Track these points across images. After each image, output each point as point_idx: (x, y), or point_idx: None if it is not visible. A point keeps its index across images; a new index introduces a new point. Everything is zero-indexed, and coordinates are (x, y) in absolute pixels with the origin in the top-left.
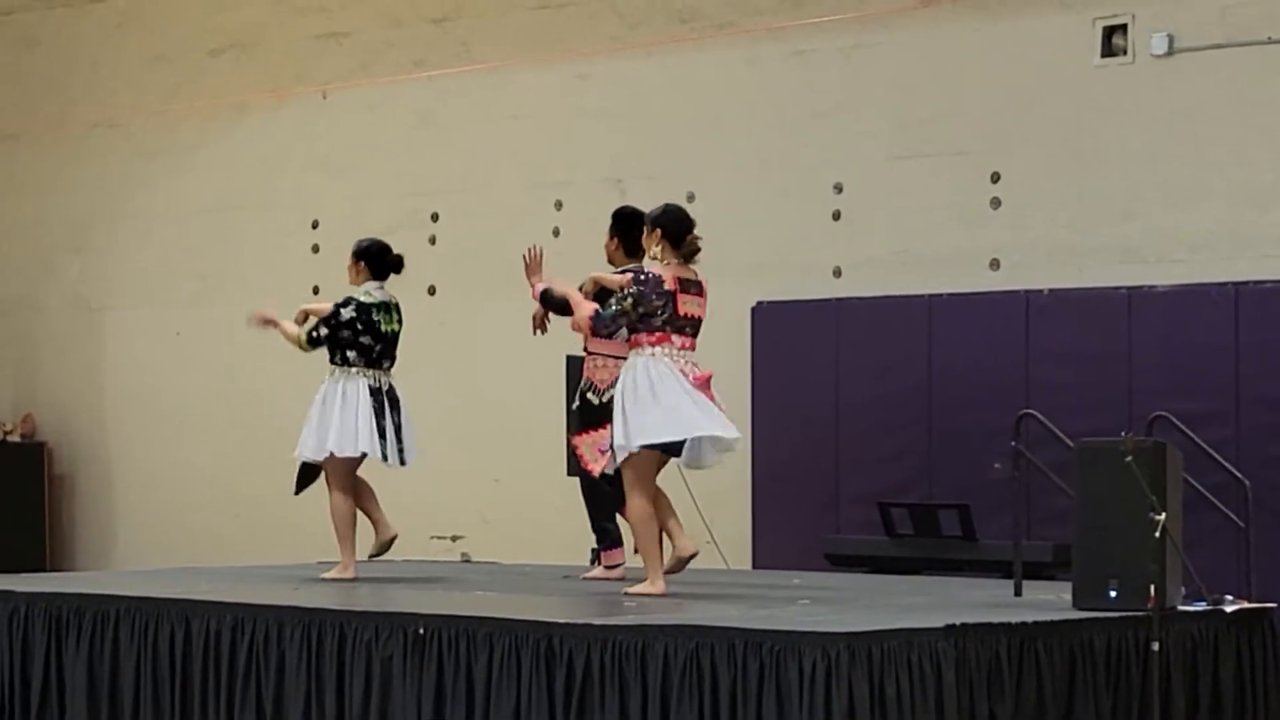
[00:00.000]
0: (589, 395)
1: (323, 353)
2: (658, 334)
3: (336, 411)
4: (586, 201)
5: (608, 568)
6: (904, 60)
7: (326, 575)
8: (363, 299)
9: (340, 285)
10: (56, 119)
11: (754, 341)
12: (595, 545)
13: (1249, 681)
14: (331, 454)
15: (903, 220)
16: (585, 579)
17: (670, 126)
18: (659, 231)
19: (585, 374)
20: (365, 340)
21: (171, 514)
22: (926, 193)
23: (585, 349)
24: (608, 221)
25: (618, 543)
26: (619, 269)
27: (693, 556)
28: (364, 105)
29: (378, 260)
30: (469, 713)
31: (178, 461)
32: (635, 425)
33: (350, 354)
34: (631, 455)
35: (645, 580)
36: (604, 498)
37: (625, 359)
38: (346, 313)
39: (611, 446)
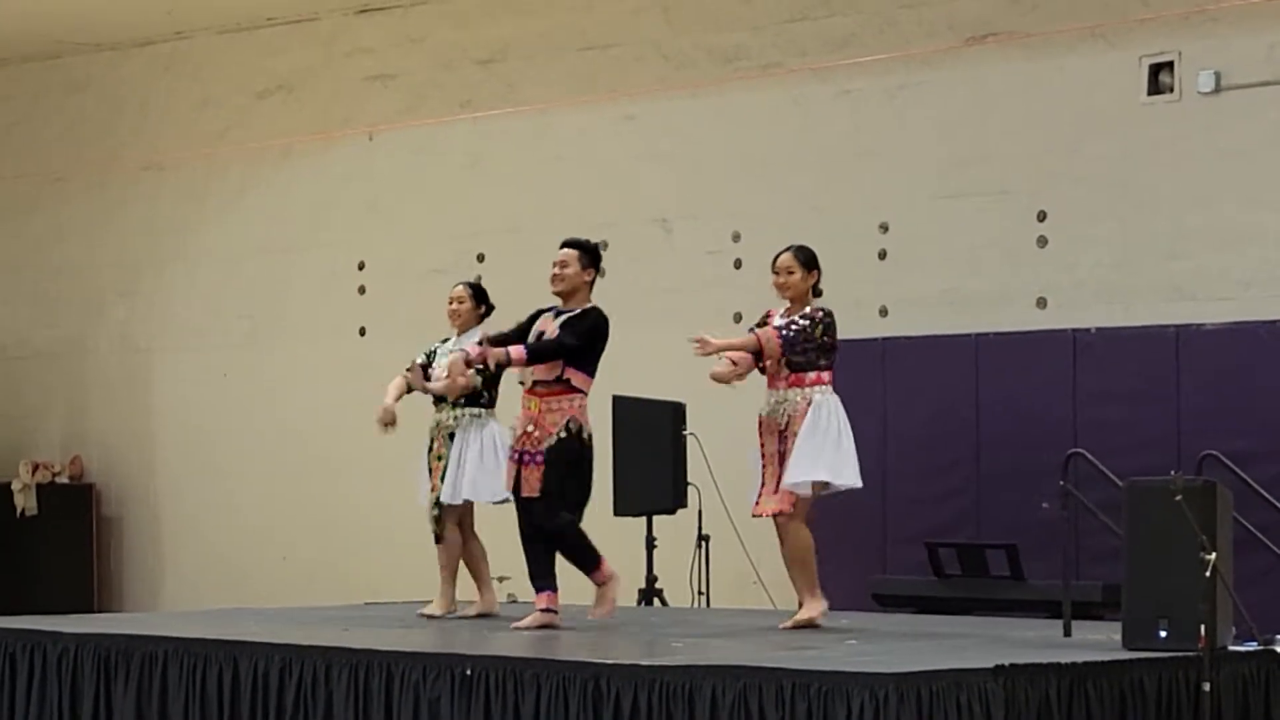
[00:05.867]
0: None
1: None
2: (829, 371)
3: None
4: (633, 242)
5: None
6: (950, 99)
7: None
8: None
9: (386, 325)
10: (104, 162)
11: None
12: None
13: None
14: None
15: (949, 259)
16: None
17: (716, 167)
18: (816, 274)
19: (573, 413)
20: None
21: (219, 555)
22: (973, 231)
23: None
24: (654, 261)
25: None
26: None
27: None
28: (411, 147)
29: (489, 304)
30: None
31: (225, 503)
32: (849, 464)
33: (494, 393)
34: (807, 497)
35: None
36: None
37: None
38: None
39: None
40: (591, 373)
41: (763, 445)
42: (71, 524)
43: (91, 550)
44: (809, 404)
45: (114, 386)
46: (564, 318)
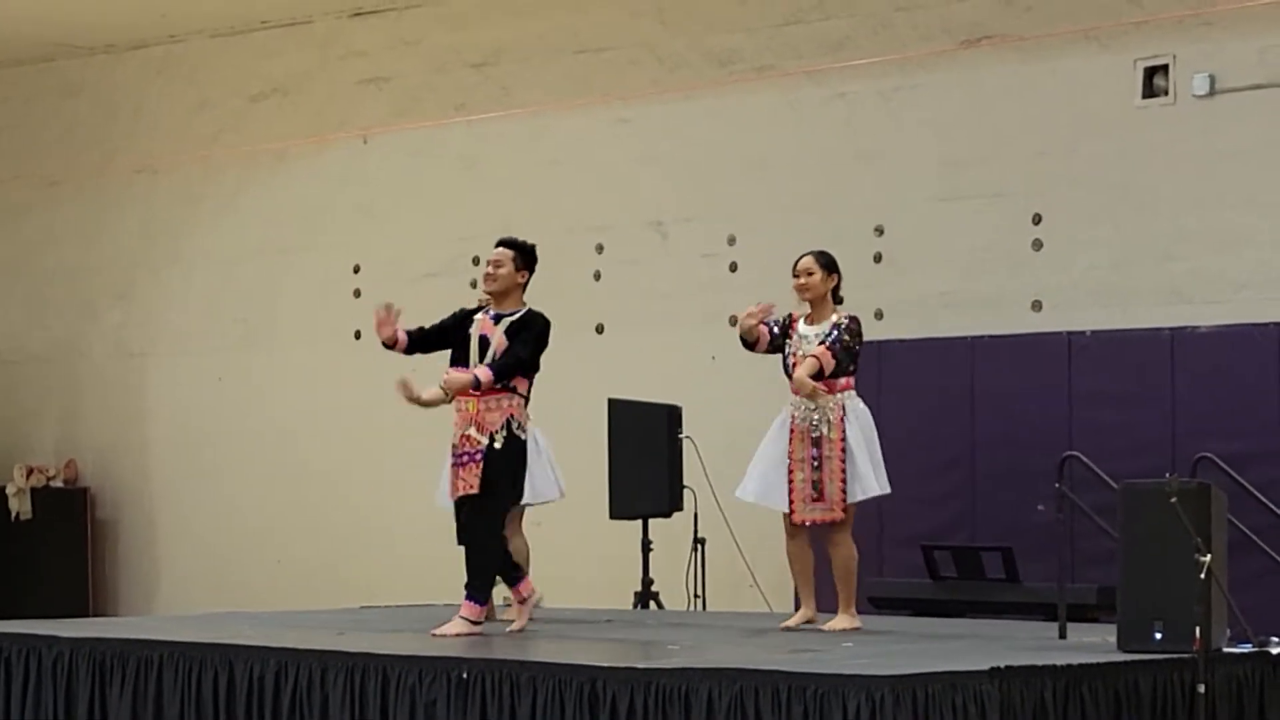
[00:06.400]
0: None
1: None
2: (854, 376)
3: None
4: (627, 245)
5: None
6: (945, 102)
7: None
8: None
9: None
10: (98, 166)
11: None
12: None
13: None
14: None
15: (944, 262)
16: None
17: (711, 170)
18: (836, 277)
19: (512, 412)
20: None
21: (214, 559)
22: (968, 234)
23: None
24: (649, 265)
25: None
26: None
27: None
28: (405, 150)
29: None
30: None
31: (220, 507)
32: (881, 474)
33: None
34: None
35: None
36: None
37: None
38: None
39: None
40: (532, 376)
41: (791, 450)
42: (66, 528)
43: (86, 554)
44: (844, 411)
45: (109, 390)
46: (506, 323)
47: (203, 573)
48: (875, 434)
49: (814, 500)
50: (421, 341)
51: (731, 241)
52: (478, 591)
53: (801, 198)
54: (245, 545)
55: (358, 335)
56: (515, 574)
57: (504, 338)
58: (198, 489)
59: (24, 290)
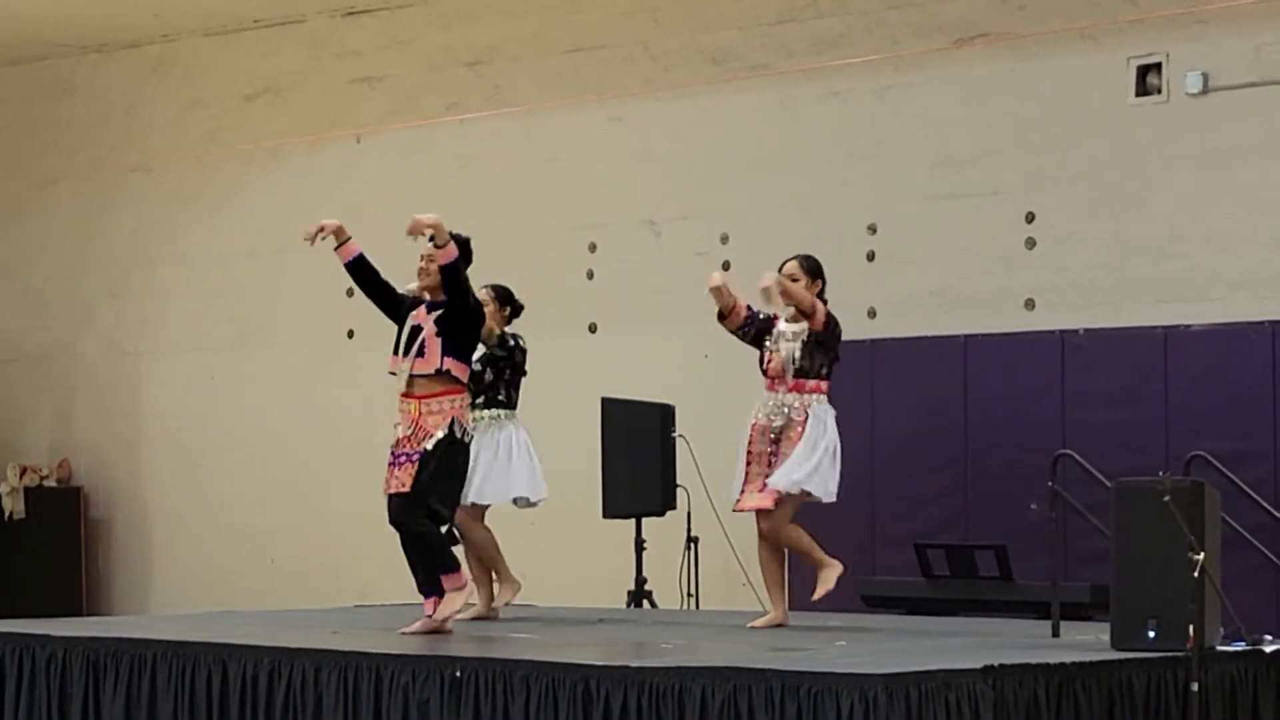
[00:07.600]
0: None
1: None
2: (828, 381)
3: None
4: (621, 244)
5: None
6: (939, 101)
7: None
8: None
9: (375, 328)
10: (93, 164)
11: None
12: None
13: None
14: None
15: (938, 260)
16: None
17: (705, 168)
18: (820, 283)
19: (454, 414)
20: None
21: (207, 558)
22: (961, 233)
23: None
24: (643, 263)
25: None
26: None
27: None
28: (399, 149)
29: (514, 305)
30: None
31: (214, 506)
32: (832, 478)
33: (514, 394)
34: (794, 498)
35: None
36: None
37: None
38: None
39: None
40: (469, 362)
41: (751, 442)
42: (60, 527)
43: (80, 553)
44: (808, 413)
45: (102, 389)
46: (438, 312)
47: (196, 572)
48: (835, 441)
49: (759, 490)
50: (372, 276)
51: (725, 240)
52: (449, 571)
53: (795, 196)
54: (239, 544)
55: (351, 335)
56: (454, 562)
57: (434, 325)
58: (192, 488)
59: (19, 290)
